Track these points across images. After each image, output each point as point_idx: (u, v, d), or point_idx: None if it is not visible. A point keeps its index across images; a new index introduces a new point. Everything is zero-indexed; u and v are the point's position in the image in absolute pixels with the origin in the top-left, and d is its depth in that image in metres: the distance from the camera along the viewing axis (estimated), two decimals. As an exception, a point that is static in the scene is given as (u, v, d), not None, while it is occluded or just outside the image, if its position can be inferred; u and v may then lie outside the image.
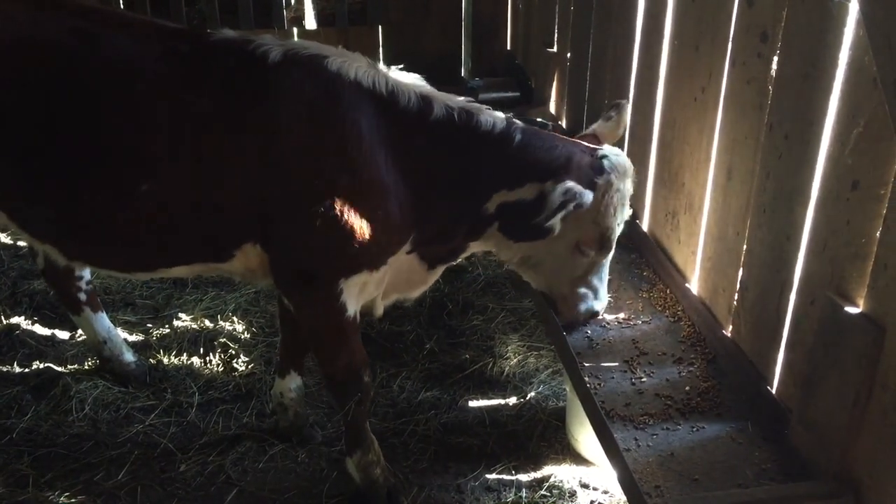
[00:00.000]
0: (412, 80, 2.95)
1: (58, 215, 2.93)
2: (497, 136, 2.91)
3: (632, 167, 3.03)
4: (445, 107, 2.90)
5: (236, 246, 2.94)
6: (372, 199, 2.82)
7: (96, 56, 2.79)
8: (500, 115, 2.98)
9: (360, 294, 3.00)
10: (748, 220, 2.95)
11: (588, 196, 2.87)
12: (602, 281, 3.22)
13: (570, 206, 2.84)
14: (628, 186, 3.03)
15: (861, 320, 2.25)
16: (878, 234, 2.21)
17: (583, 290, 3.19)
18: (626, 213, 3.08)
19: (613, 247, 3.12)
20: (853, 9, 2.29)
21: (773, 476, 2.53)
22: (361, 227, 2.80)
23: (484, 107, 2.98)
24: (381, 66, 2.94)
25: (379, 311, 3.26)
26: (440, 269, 3.28)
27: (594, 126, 3.26)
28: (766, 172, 2.81)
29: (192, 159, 2.79)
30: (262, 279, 3.12)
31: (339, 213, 2.76)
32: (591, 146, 3.06)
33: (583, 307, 3.23)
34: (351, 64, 2.84)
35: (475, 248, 3.24)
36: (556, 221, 2.88)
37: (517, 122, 3.01)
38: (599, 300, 3.24)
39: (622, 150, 3.33)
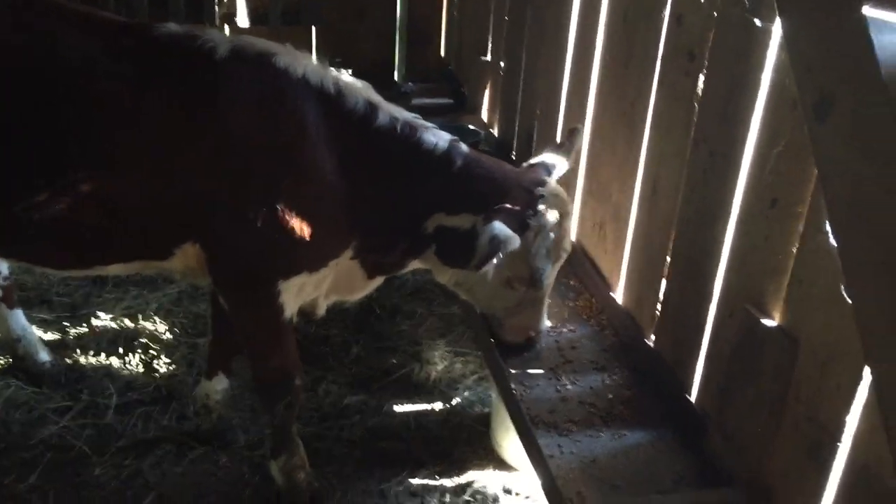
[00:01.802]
0: (361, 85, 2.92)
1: None
2: (437, 158, 2.89)
3: (570, 207, 2.96)
4: (390, 117, 2.88)
5: (177, 245, 2.86)
6: (315, 200, 2.79)
7: (39, 50, 2.68)
8: (446, 136, 2.95)
9: (297, 295, 2.96)
10: (672, 232, 3.02)
11: (515, 242, 2.75)
12: (538, 312, 3.13)
13: (497, 255, 2.73)
14: (565, 226, 2.97)
15: (777, 333, 2.34)
16: (794, 251, 2.30)
17: (516, 319, 3.12)
18: (564, 252, 3.02)
19: (547, 284, 3.04)
20: (776, 32, 2.38)
21: (691, 482, 2.60)
22: (304, 227, 2.76)
23: (431, 125, 2.96)
24: (331, 67, 2.91)
25: (321, 310, 3.22)
26: (380, 280, 3.25)
27: (546, 154, 3.18)
28: (690, 187, 2.88)
29: (136, 156, 2.70)
30: (202, 278, 3.05)
31: (281, 213, 2.72)
32: (535, 179, 2.99)
33: (516, 336, 3.17)
34: (299, 61, 2.80)
35: (415, 265, 3.19)
36: (486, 268, 2.80)
37: (462, 146, 2.96)
38: (534, 330, 3.16)
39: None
